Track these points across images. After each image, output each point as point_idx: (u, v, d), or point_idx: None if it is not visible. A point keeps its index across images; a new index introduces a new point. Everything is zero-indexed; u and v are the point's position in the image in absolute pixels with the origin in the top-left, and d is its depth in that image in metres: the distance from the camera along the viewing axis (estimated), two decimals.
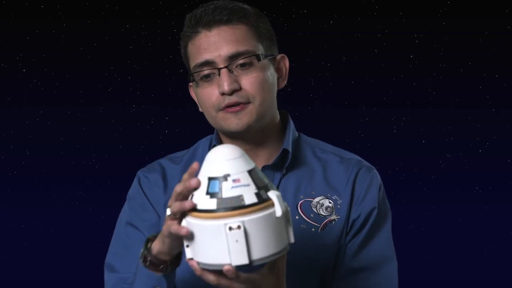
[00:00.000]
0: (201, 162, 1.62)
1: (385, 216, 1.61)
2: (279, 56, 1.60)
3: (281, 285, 1.33)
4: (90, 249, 2.78)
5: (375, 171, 1.63)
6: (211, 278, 1.27)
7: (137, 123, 2.86)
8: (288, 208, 1.27)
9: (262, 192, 1.24)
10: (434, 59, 2.86)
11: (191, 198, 1.26)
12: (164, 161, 1.67)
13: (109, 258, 1.61)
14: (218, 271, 1.26)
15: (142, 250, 1.39)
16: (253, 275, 1.28)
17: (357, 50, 2.85)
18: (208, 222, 1.23)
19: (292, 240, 1.28)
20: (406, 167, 2.89)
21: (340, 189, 1.58)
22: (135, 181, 1.66)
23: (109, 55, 2.82)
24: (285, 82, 1.61)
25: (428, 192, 2.90)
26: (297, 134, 1.64)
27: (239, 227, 1.21)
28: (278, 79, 1.59)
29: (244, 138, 1.56)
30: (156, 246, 1.37)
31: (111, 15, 2.81)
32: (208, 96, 1.52)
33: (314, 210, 1.56)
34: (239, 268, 1.23)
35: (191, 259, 1.27)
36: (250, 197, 1.23)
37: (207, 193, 1.24)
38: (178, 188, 1.28)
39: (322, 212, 1.56)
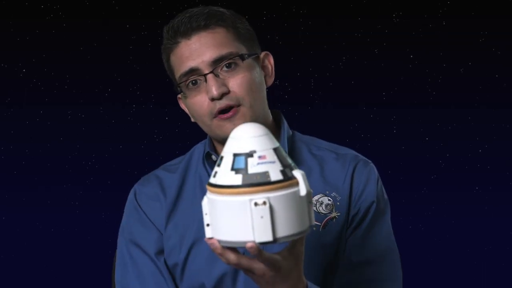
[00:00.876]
0: (196, 169, 1.62)
1: (384, 208, 1.61)
2: (262, 54, 1.59)
3: (299, 267, 1.32)
4: (90, 249, 2.78)
5: (372, 164, 1.63)
6: (232, 257, 1.25)
7: (137, 123, 2.86)
8: (311, 190, 1.25)
9: (287, 170, 1.23)
10: (434, 59, 2.86)
11: (214, 175, 1.25)
12: (159, 172, 1.66)
13: (117, 282, 1.61)
14: (238, 250, 1.25)
15: None
16: (274, 256, 1.27)
17: (357, 50, 2.85)
18: (233, 198, 1.21)
19: (313, 221, 1.27)
20: (406, 167, 2.89)
21: (338, 185, 1.58)
22: (131, 196, 1.65)
23: (109, 55, 2.82)
24: (272, 79, 1.61)
25: (428, 192, 2.90)
26: (291, 133, 1.64)
27: (264, 203, 1.19)
28: (265, 77, 1.58)
29: None
30: None
31: (111, 15, 2.81)
32: (199, 104, 1.52)
33: (314, 208, 1.55)
34: (262, 245, 1.22)
35: (211, 238, 1.25)
36: (275, 174, 1.21)
37: (232, 169, 1.22)
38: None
39: (322, 210, 1.56)
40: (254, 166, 1.21)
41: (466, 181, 2.89)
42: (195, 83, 1.51)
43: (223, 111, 1.50)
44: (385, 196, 1.63)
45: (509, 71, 2.86)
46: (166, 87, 2.79)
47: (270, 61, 1.61)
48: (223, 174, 1.23)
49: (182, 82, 1.53)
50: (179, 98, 1.61)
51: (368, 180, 1.59)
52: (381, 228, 1.60)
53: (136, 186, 1.65)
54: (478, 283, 2.90)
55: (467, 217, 2.90)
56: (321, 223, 1.55)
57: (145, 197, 1.62)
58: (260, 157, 1.22)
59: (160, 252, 1.58)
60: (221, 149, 1.57)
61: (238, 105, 1.50)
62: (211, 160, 1.60)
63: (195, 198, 1.58)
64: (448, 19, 2.84)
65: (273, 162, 1.22)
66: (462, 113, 2.89)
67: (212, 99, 1.49)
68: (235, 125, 1.49)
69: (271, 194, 1.20)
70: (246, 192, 1.20)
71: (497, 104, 2.88)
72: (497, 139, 2.89)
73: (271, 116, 1.61)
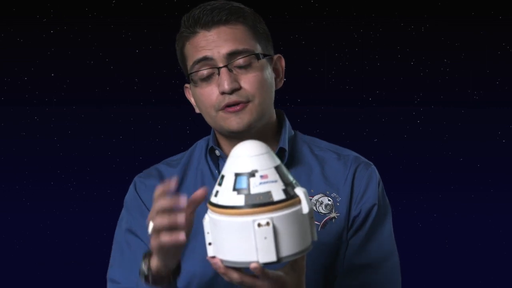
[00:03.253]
0: (198, 164, 1.62)
1: (386, 211, 1.61)
2: (275, 57, 1.60)
3: (302, 282, 1.32)
4: (90, 249, 2.78)
5: (374, 167, 1.63)
6: (235, 276, 1.25)
7: (137, 123, 2.86)
8: (312, 207, 1.26)
9: (289, 188, 1.22)
10: (434, 59, 2.86)
11: (216, 194, 1.24)
12: (161, 166, 1.66)
13: (111, 270, 1.60)
14: (242, 269, 1.25)
15: (140, 267, 1.38)
16: (278, 273, 1.27)
17: (356, 50, 2.85)
18: (236, 218, 1.20)
19: (315, 238, 1.26)
20: (406, 167, 2.89)
21: (339, 186, 1.58)
22: (132, 187, 1.65)
23: (109, 55, 2.83)
24: (282, 82, 1.61)
25: (428, 192, 2.90)
26: (293, 133, 1.64)
27: (268, 223, 1.19)
28: (275, 79, 1.59)
29: (242, 139, 1.56)
30: (153, 263, 1.36)
31: (111, 15, 2.81)
32: (208, 95, 1.52)
33: (314, 208, 1.56)
34: (266, 265, 1.22)
35: (214, 257, 1.25)
36: (278, 194, 1.21)
37: (234, 189, 1.21)
38: (164, 203, 1.26)
39: (322, 210, 1.56)
40: (256, 186, 1.21)
41: (466, 181, 2.89)
42: (207, 75, 1.52)
43: (231, 105, 1.50)
44: (387, 199, 1.63)
45: (509, 71, 2.86)
46: (165, 87, 2.80)
47: (282, 64, 1.61)
48: (225, 194, 1.22)
49: (194, 71, 1.53)
50: (186, 87, 1.61)
51: (369, 182, 1.59)
52: (383, 231, 1.60)
53: (136, 178, 1.66)
54: (478, 283, 2.90)
55: (467, 217, 2.90)
56: (320, 223, 1.55)
57: (145, 188, 1.62)
58: (262, 176, 1.21)
59: None
60: (225, 144, 1.59)
61: (247, 102, 1.51)
62: (214, 155, 1.60)
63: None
64: (448, 19, 2.84)
65: (275, 181, 1.22)
66: (462, 113, 2.89)
67: (223, 93, 1.50)
68: (241, 119, 1.50)
69: (274, 214, 1.20)
70: (249, 213, 1.20)
71: (497, 104, 2.88)
72: (497, 139, 2.89)
73: (275, 116, 1.61)
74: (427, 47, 2.86)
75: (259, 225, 1.19)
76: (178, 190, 1.60)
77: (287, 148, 1.58)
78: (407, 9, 2.83)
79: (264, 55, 1.54)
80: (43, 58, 2.83)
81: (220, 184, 1.24)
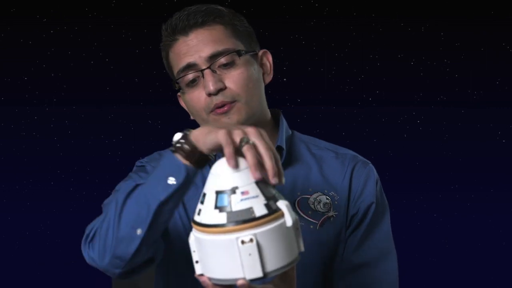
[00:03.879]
0: None
1: (384, 210, 1.61)
2: (261, 52, 1.59)
3: None
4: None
5: (371, 165, 1.62)
6: None
7: (137, 123, 2.86)
8: (297, 218, 1.24)
9: (271, 202, 1.21)
10: (434, 59, 2.87)
11: (198, 213, 1.23)
12: (162, 151, 1.63)
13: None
14: (230, 286, 1.24)
15: (178, 134, 1.30)
16: (268, 286, 1.27)
17: (356, 50, 2.85)
18: (219, 237, 1.19)
19: (302, 248, 1.25)
20: (406, 167, 2.89)
21: (337, 185, 1.58)
22: (136, 165, 1.64)
23: (109, 55, 2.83)
24: (271, 77, 1.60)
25: (428, 192, 2.90)
26: (290, 132, 1.64)
27: (251, 240, 1.18)
28: (263, 74, 1.58)
29: None
30: (194, 134, 1.27)
31: (111, 15, 2.81)
32: (196, 99, 1.52)
33: (312, 206, 1.56)
34: (253, 281, 1.21)
35: (202, 275, 1.24)
36: (260, 209, 1.19)
37: (216, 207, 1.20)
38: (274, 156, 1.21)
39: (320, 208, 1.56)
40: (237, 203, 1.19)
41: (466, 181, 2.89)
42: (193, 80, 1.52)
43: (219, 106, 1.50)
44: (385, 197, 1.63)
45: (509, 71, 2.86)
46: (165, 87, 2.80)
47: (268, 59, 1.60)
48: (207, 212, 1.21)
49: (180, 78, 1.53)
50: (179, 95, 1.61)
51: (367, 180, 1.59)
52: (381, 229, 1.60)
53: (139, 161, 1.65)
54: (479, 283, 2.90)
55: (467, 217, 2.90)
56: (319, 221, 1.55)
57: (151, 167, 1.61)
58: (243, 193, 1.20)
59: None
60: None
61: (233, 101, 1.50)
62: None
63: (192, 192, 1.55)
64: (447, 18, 2.84)
65: (256, 196, 1.20)
66: (462, 113, 2.89)
67: (209, 95, 1.50)
68: (230, 119, 1.50)
69: (257, 230, 1.19)
70: (232, 231, 1.18)
71: (497, 104, 2.88)
72: (497, 139, 2.89)
73: (269, 115, 1.61)
74: (427, 47, 2.86)
75: (242, 242, 1.18)
76: None
77: (284, 147, 1.58)
78: (407, 9, 2.84)
79: (246, 52, 1.54)
80: (43, 58, 2.83)
81: (202, 203, 1.23)
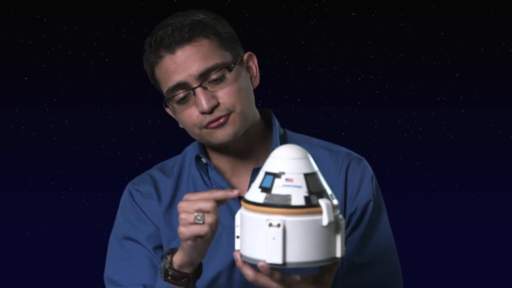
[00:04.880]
0: (189, 172, 1.61)
1: (381, 206, 1.60)
2: (246, 55, 1.57)
3: None
4: (90, 249, 2.77)
5: (365, 161, 1.61)
6: (249, 273, 1.27)
7: (137, 123, 2.86)
8: (343, 222, 1.25)
9: (312, 197, 1.22)
10: (434, 59, 2.87)
11: (248, 190, 1.28)
12: (155, 172, 1.63)
13: (109, 273, 1.58)
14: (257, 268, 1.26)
15: (162, 264, 1.39)
16: (290, 277, 1.27)
17: (356, 50, 2.85)
18: (254, 214, 1.23)
19: (339, 254, 1.25)
20: (406, 167, 2.89)
21: (332, 183, 1.55)
22: (127, 196, 1.62)
23: (110, 55, 2.83)
24: (258, 79, 1.58)
25: (428, 192, 2.90)
26: (282, 131, 1.62)
27: (279, 225, 1.20)
28: (250, 78, 1.56)
29: (228, 147, 1.55)
30: (178, 258, 1.37)
31: (111, 15, 2.81)
32: (188, 116, 1.50)
33: None
34: (274, 266, 1.23)
35: (237, 250, 1.28)
36: (298, 199, 1.22)
37: (260, 186, 1.24)
38: (218, 194, 1.32)
39: None
40: (278, 188, 1.22)
41: (466, 181, 2.89)
42: (184, 97, 1.50)
43: (213, 121, 1.49)
44: (380, 194, 1.62)
45: (509, 71, 2.86)
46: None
47: (254, 62, 1.58)
48: (253, 190, 1.26)
49: (170, 97, 1.51)
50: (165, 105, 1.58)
51: (363, 178, 1.58)
52: (381, 227, 1.59)
53: (129, 185, 1.63)
54: (479, 283, 2.90)
55: (467, 217, 2.90)
56: None
57: (141, 195, 1.60)
58: (287, 179, 1.23)
59: (158, 247, 1.56)
60: (212, 153, 1.58)
61: (229, 114, 1.49)
62: (202, 162, 1.59)
63: None
64: (447, 19, 2.84)
65: (300, 186, 1.22)
66: (462, 113, 2.89)
67: (203, 113, 1.48)
68: (226, 131, 1.49)
69: (288, 218, 1.21)
70: (265, 212, 1.22)
71: (497, 104, 2.88)
72: (497, 139, 2.89)
73: (258, 115, 1.59)
74: (427, 47, 2.86)
75: (270, 225, 1.21)
76: (172, 200, 1.60)
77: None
78: (407, 9, 2.83)
79: (235, 62, 1.51)
80: (43, 58, 2.83)
81: (253, 181, 1.28)
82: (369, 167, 1.61)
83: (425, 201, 2.89)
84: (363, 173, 1.59)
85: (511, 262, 2.89)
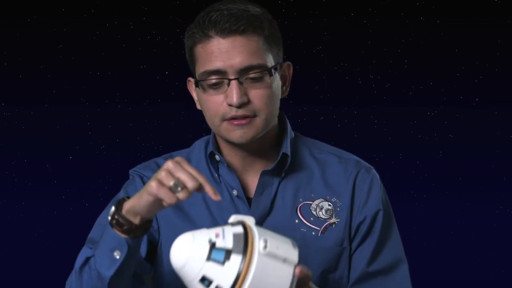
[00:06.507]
0: (197, 166, 1.59)
1: (391, 216, 1.61)
2: (285, 64, 1.56)
3: None
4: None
5: (374, 171, 1.62)
6: None
7: (137, 123, 2.86)
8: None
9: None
10: (434, 59, 2.87)
11: None
12: (161, 161, 1.62)
13: (92, 234, 1.56)
14: None
15: (113, 207, 1.35)
16: None
17: (356, 50, 2.85)
18: None
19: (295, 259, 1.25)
20: (406, 167, 2.89)
21: (340, 190, 1.57)
22: (133, 178, 1.61)
23: (110, 55, 2.83)
24: (287, 91, 1.58)
25: (428, 192, 2.90)
26: (293, 135, 1.62)
27: None
28: (281, 87, 1.55)
29: (243, 146, 1.55)
30: (128, 204, 1.33)
31: (111, 15, 2.81)
32: (214, 103, 1.49)
33: (314, 213, 1.55)
34: None
35: None
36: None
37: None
38: (200, 178, 1.28)
39: (322, 215, 1.55)
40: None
41: (466, 181, 2.89)
42: (216, 83, 1.48)
43: (237, 117, 1.48)
44: (389, 203, 1.62)
45: (509, 71, 2.86)
46: (165, 87, 2.80)
47: (289, 72, 1.57)
48: None
49: (203, 79, 1.49)
50: (190, 81, 1.57)
51: (372, 187, 1.59)
52: (392, 236, 1.59)
53: (134, 171, 1.62)
54: (479, 283, 2.90)
55: (467, 217, 2.90)
56: (320, 228, 1.55)
57: (147, 178, 1.58)
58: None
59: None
60: (225, 147, 1.56)
61: (254, 116, 1.49)
62: (214, 159, 1.58)
63: (192, 198, 1.55)
64: (447, 19, 2.84)
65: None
66: (462, 113, 2.89)
67: (230, 105, 1.47)
68: (245, 133, 1.48)
69: None
70: None
71: (497, 104, 2.88)
72: (497, 139, 2.89)
73: (277, 121, 1.59)
74: (427, 47, 2.86)
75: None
76: None
77: (289, 153, 1.56)
78: (407, 9, 2.83)
79: (275, 67, 1.50)
80: (43, 58, 2.83)
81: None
82: (378, 176, 1.61)
83: (425, 201, 2.89)
84: (372, 183, 1.59)
85: (511, 262, 2.89)
